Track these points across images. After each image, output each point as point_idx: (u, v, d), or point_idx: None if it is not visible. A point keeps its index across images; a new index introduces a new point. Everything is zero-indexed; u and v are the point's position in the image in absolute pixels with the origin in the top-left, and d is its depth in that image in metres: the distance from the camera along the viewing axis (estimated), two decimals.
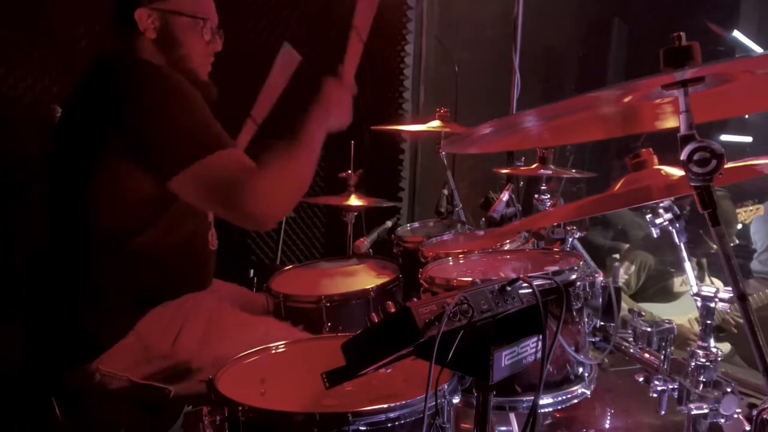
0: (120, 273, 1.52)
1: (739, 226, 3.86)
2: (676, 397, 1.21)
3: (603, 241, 4.11)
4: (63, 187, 1.56)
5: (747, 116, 4.82)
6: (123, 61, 1.55)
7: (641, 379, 1.30)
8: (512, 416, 1.61)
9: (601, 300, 1.44)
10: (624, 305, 3.23)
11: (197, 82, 1.64)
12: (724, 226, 0.86)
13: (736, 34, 4.59)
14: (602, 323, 1.47)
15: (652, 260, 3.50)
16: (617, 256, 3.84)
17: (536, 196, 2.17)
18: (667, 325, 1.39)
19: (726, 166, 0.86)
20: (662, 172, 1.30)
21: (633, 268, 3.48)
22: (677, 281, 3.53)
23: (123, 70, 1.50)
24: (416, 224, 2.62)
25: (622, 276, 3.48)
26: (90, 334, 1.52)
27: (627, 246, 3.89)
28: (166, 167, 1.42)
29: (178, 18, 1.60)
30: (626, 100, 1.03)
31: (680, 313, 3.37)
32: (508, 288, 0.98)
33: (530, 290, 0.98)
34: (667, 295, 3.54)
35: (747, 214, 3.90)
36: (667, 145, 1.03)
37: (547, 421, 1.91)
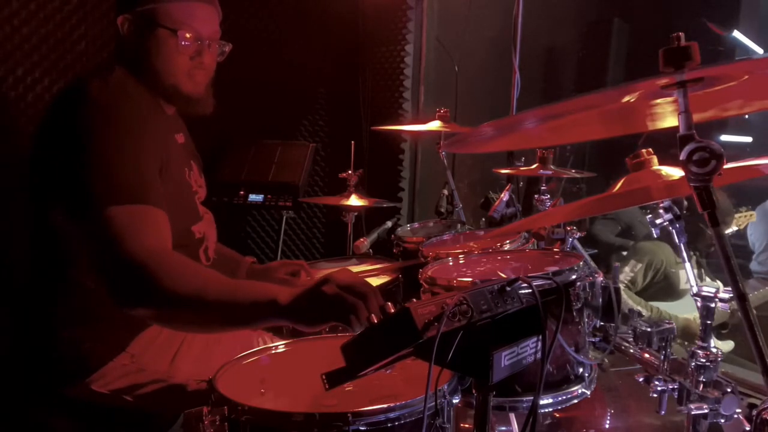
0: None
1: (734, 229, 3.86)
2: (676, 397, 1.21)
3: (611, 238, 4.10)
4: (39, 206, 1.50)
5: (747, 116, 4.83)
6: (76, 97, 1.44)
7: (641, 379, 1.29)
8: (512, 416, 1.61)
9: (601, 300, 1.44)
10: (630, 302, 3.24)
11: (178, 95, 1.57)
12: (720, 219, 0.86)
13: (736, 34, 4.60)
14: (602, 323, 1.47)
15: (659, 259, 3.49)
16: (625, 253, 3.83)
17: (536, 196, 2.17)
18: (667, 325, 1.39)
19: (726, 167, 0.86)
20: (662, 172, 1.30)
21: (640, 266, 3.48)
22: (682, 279, 3.52)
23: (70, 109, 1.43)
24: (416, 224, 2.62)
25: (628, 273, 3.46)
26: (76, 352, 1.46)
27: (632, 243, 3.87)
28: (81, 205, 1.33)
29: (160, 30, 1.51)
30: (625, 100, 1.03)
31: (686, 311, 3.37)
32: (508, 288, 0.98)
33: (530, 290, 0.98)
34: (672, 293, 3.53)
35: (741, 220, 3.91)
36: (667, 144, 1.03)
37: (547, 421, 1.91)
